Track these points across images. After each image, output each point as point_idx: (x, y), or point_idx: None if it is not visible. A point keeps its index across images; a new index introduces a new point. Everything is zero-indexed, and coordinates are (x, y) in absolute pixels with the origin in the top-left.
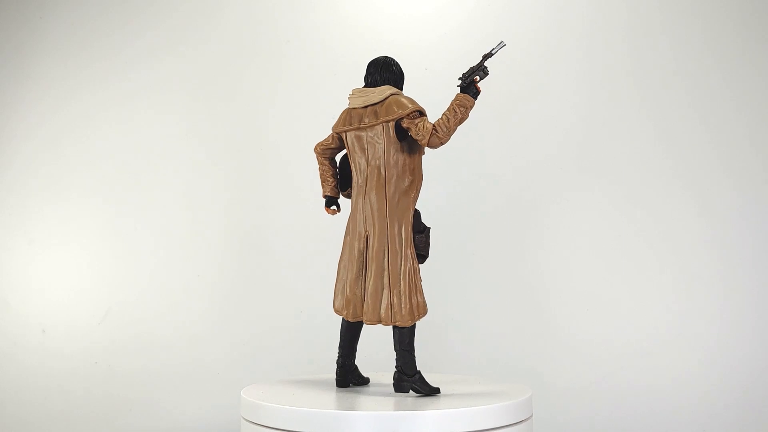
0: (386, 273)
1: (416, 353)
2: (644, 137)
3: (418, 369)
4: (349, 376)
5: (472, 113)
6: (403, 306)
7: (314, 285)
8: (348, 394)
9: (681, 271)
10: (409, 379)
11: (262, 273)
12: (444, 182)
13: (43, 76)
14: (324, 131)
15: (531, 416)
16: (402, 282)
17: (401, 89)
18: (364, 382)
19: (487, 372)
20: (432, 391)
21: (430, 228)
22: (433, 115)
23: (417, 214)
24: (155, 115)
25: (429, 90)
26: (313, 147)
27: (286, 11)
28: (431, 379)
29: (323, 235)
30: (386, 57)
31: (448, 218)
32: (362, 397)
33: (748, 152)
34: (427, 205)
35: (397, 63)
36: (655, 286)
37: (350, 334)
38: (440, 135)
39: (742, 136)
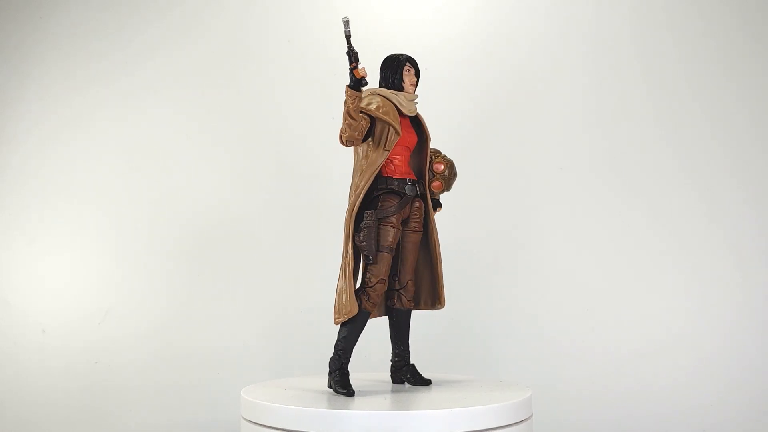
0: None
1: (418, 351)
2: (648, 135)
3: (343, 368)
4: (398, 373)
5: (472, 111)
6: (335, 305)
7: (315, 285)
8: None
9: (683, 272)
10: (330, 376)
11: (263, 273)
12: None
13: (43, 75)
14: (324, 130)
15: (531, 416)
16: (338, 281)
17: (387, 84)
18: (419, 382)
19: (487, 372)
20: (342, 393)
21: (368, 227)
22: (433, 115)
23: (369, 211)
24: (155, 114)
25: (429, 90)
26: None
27: (288, 11)
28: (430, 377)
29: (324, 235)
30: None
31: (447, 219)
32: (362, 397)
33: (756, 151)
34: None
35: (388, 58)
36: (657, 287)
37: (391, 332)
38: (341, 131)
39: (749, 134)
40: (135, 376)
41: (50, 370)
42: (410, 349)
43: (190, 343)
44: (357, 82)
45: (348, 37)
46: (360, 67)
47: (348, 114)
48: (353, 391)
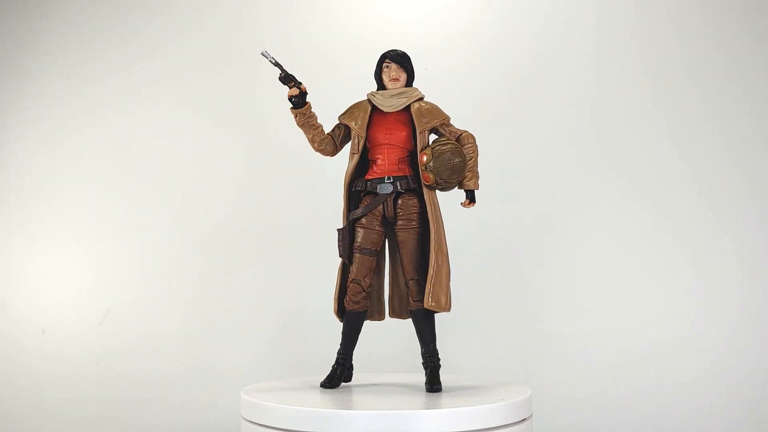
0: None
1: (417, 351)
2: (652, 136)
3: (338, 362)
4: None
5: (472, 111)
6: None
7: (315, 285)
8: (348, 394)
9: (685, 274)
10: None
11: (263, 273)
12: None
13: (42, 74)
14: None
15: (531, 416)
16: None
17: (377, 86)
18: (429, 387)
19: (488, 372)
20: (322, 383)
21: (338, 229)
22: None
23: (350, 215)
24: (154, 114)
25: (429, 89)
26: None
27: (288, 11)
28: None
29: (324, 235)
30: None
31: (447, 219)
32: (362, 397)
33: (763, 153)
34: None
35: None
36: (658, 288)
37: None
38: None
39: (757, 137)
40: (134, 376)
41: (50, 370)
42: (426, 351)
43: (190, 343)
44: (293, 100)
45: (276, 65)
46: (300, 87)
47: (303, 131)
48: (330, 387)
